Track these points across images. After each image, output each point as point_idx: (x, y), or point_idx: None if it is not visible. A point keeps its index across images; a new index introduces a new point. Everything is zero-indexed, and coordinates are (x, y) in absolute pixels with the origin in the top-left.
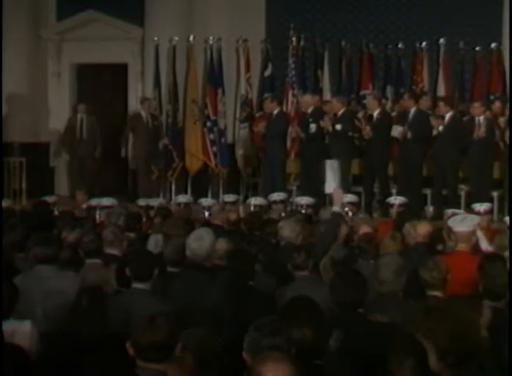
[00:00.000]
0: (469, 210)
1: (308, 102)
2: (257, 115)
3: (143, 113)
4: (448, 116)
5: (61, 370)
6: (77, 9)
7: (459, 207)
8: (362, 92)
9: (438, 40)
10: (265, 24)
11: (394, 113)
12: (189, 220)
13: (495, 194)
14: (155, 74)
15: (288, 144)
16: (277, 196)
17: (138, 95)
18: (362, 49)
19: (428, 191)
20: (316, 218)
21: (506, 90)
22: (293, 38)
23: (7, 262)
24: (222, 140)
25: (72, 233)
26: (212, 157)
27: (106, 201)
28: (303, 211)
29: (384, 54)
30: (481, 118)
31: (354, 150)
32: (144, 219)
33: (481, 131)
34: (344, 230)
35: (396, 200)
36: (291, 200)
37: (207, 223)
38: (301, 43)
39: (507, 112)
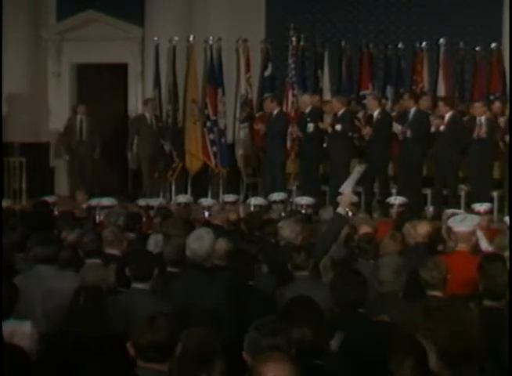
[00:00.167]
0: (469, 210)
1: (307, 102)
2: (257, 115)
3: (147, 115)
4: (447, 116)
5: (61, 370)
6: (77, 9)
7: (459, 207)
8: (362, 92)
9: (438, 40)
10: (265, 24)
11: (394, 113)
12: (189, 220)
13: (495, 194)
14: (155, 74)
15: (288, 144)
16: (277, 196)
17: (138, 95)
18: (362, 49)
19: (428, 191)
20: (316, 218)
21: (506, 90)
22: (293, 38)
23: (7, 262)
24: (222, 140)
25: (72, 233)
26: (212, 157)
27: (106, 201)
28: (303, 211)
29: (383, 54)
30: (483, 118)
31: (354, 150)
32: (144, 219)
33: (482, 132)
34: (344, 230)
35: (396, 200)
36: (291, 200)
37: (207, 223)
38: (301, 43)
39: (507, 112)
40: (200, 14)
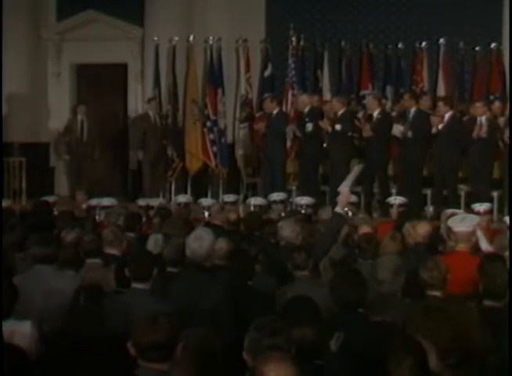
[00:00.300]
0: (469, 210)
1: (305, 102)
2: (257, 115)
3: (151, 113)
4: (447, 116)
5: (61, 370)
6: (77, 9)
7: (459, 207)
8: (362, 92)
9: (437, 40)
10: (265, 24)
11: (393, 113)
12: (189, 220)
13: (494, 194)
14: (155, 74)
15: (288, 144)
16: (277, 196)
17: (138, 95)
18: (362, 49)
19: (428, 191)
20: (316, 218)
21: (505, 90)
22: (293, 38)
23: (6, 262)
24: (222, 140)
25: (70, 232)
26: (212, 157)
27: (106, 201)
28: (302, 211)
29: (383, 54)
30: (483, 118)
31: (353, 150)
32: (144, 219)
33: (482, 132)
34: (344, 230)
35: (396, 200)
36: (291, 200)
37: (207, 223)
38: (301, 43)
39: (507, 112)
40: (199, 14)
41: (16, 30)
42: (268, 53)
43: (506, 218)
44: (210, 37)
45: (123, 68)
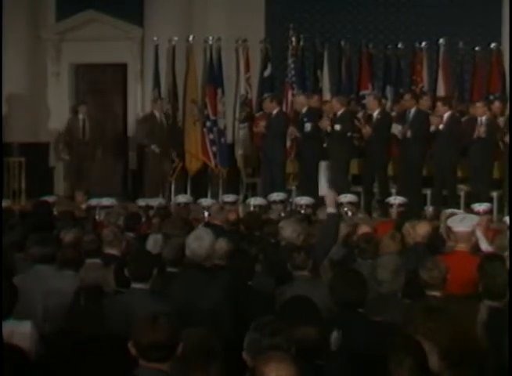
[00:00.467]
0: (468, 210)
1: (303, 102)
2: (257, 115)
3: (157, 113)
4: (446, 116)
5: (60, 370)
6: (77, 9)
7: (459, 207)
8: (362, 92)
9: (437, 40)
10: (265, 24)
11: (393, 113)
12: (188, 220)
13: (494, 194)
14: (154, 74)
15: (288, 144)
16: (277, 196)
17: (137, 95)
18: (362, 49)
19: (428, 191)
20: (315, 218)
21: (505, 90)
22: (293, 38)
23: (6, 262)
24: (222, 140)
25: (69, 232)
26: (212, 157)
27: (106, 201)
28: (302, 212)
29: (383, 54)
30: (484, 118)
31: (353, 150)
32: (143, 219)
33: (482, 132)
34: (343, 230)
35: (396, 200)
36: (291, 200)
37: (206, 223)
38: (301, 43)
39: (507, 112)
40: (199, 14)
41: (16, 30)
42: (267, 53)
43: (506, 218)
44: (210, 37)
45: (122, 68)
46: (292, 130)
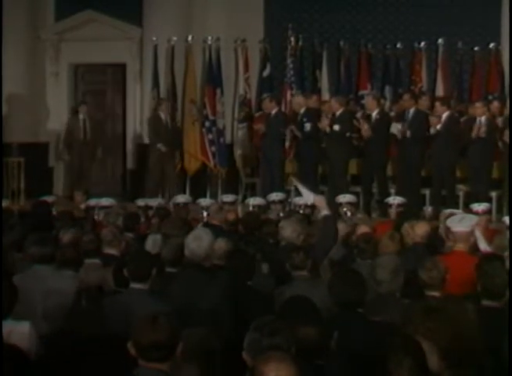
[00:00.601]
0: (467, 210)
1: (301, 103)
2: (256, 115)
3: (162, 115)
4: (444, 116)
5: (60, 370)
6: (76, 9)
7: (458, 208)
8: (361, 92)
9: (436, 40)
10: (264, 24)
11: (392, 113)
12: (187, 220)
13: (493, 194)
14: (153, 74)
15: (287, 144)
16: (275, 196)
17: (136, 95)
18: (361, 49)
19: (427, 191)
20: (314, 218)
21: (504, 90)
22: (292, 38)
23: (5, 262)
24: (221, 140)
25: (67, 232)
26: (211, 157)
27: (105, 201)
28: (301, 212)
29: (382, 54)
30: (483, 118)
31: (352, 150)
32: (142, 219)
33: (481, 131)
34: (342, 230)
35: (395, 200)
36: (290, 200)
37: (205, 223)
38: (300, 43)
39: (506, 112)
40: (198, 14)
41: (15, 30)
42: (266, 53)
43: (505, 218)
44: (209, 38)
45: (121, 68)
46: (290, 128)
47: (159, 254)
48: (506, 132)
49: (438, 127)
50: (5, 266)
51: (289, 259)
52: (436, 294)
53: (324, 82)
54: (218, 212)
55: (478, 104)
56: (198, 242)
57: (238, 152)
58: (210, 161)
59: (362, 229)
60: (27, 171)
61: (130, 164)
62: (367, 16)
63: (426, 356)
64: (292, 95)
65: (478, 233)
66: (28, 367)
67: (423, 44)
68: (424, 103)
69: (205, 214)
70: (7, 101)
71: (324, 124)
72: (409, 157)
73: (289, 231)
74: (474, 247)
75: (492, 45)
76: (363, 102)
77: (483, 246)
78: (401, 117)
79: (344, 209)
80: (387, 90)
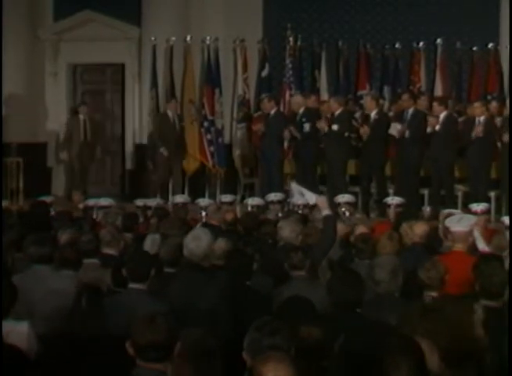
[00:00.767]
0: (466, 210)
1: (299, 103)
2: (255, 115)
3: (170, 114)
4: (442, 116)
5: (59, 370)
6: (74, 9)
7: (457, 208)
8: (360, 93)
9: (435, 40)
10: (263, 24)
11: (391, 114)
12: (186, 220)
13: (492, 194)
14: (152, 74)
15: (285, 144)
16: (274, 196)
17: (135, 95)
18: (360, 49)
19: (425, 191)
20: (313, 218)
21: (503, 90)
22: (291, 38)
23: (4, 262)
24: (219, 140)
25: (66, 232)
26: (209, 157)
27: (104, 201)
28: (299, 212)
29: (381, 54)
30: (481, 118)
31: (350, 150)
32: (141, 219)
33: (479, 131)
34: (341, 230)
35: (393, 200)
36: (288, 200)
37: (204, 223)
38: (298, 43)
39: (504, 112)
40: (197, 14)
41: (14, 30)
42: (265, 53)
43: (504, 218)
44: (208, 38)
45: (120, 68)
46: (289, 129)
47: (157, 254)
48: (505, 132)
49: (437, 127)
50: (4, 266)
51: (287, 259)
52: (435, 294)
53: (323, 82)
54: (216, 212)
55: (477, 104)
56: (197, 242)
57: (237, 152)
58: (208, 161)
59: (361, 229)
60: (26, 171)
61: (128, 164)
62: (366, 16)
63: (425, 357)
64: (291, 95)
65: (477, 233)
66: (27, 367)
67: (421, 44)
68: (423, 103)
69: (204, 214)
70: (6, 101)
71: (323, 124)
72: (407, 157)
73: (287, 231)
74: (473, 247)
75: (490, 45)
76: (362, 102)
77: (482, 246)
78: (399, 117)
79: (343, 209)
80: (386, 90)
